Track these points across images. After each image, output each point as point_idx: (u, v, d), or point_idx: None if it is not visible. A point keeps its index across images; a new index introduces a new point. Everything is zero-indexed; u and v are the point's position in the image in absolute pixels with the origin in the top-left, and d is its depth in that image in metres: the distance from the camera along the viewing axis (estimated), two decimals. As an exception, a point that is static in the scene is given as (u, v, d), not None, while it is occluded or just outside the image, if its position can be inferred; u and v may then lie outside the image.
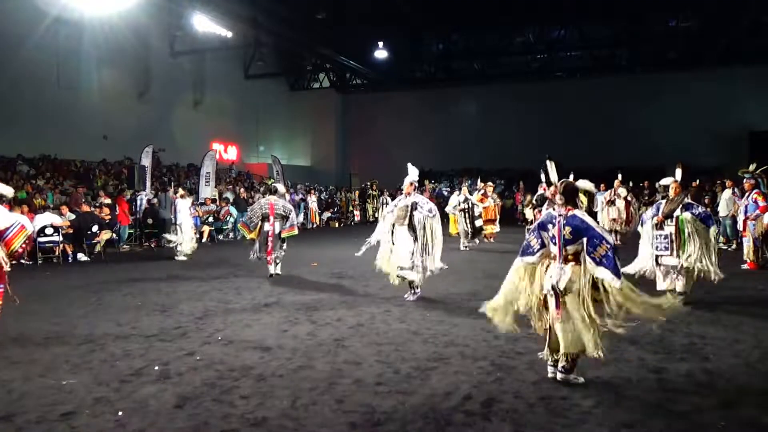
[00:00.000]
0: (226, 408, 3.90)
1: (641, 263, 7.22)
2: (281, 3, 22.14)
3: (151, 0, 19.72)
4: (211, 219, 17.29)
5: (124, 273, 10.45)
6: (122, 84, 22.09)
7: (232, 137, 28.29)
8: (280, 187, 10.94)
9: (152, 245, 14.99)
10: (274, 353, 5.17)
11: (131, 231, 15.48)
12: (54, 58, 19.61)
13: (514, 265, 4.51)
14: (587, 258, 4.11)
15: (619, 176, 14.55)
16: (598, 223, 4.40)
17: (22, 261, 10.85)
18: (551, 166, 5.00)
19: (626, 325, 4.10)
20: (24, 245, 5.31)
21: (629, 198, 14.03)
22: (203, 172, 19.48)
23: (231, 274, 10.05)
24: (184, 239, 12.33)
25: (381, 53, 26.49)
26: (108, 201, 14.95)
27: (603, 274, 4.04)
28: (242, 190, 21.77)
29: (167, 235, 12.81)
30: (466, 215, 13.99)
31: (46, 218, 12.09)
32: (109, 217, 14.12)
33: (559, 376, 4.26)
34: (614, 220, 13.67)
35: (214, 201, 18.44)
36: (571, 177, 5.04)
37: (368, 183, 26.37)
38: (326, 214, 24.23)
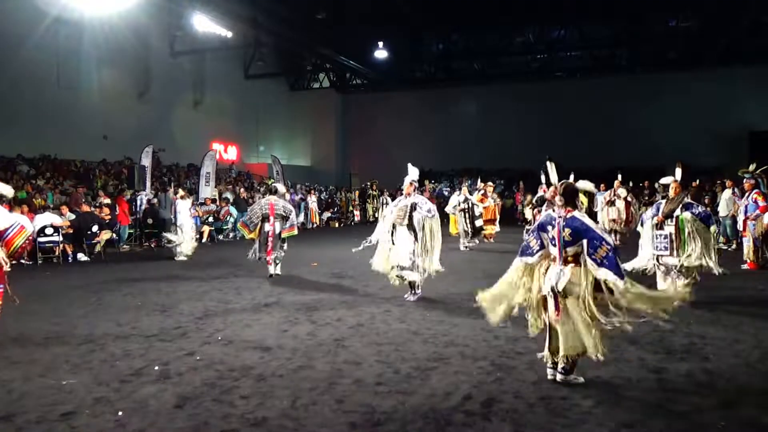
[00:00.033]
0: (226, 408, 3.90)
1: (641, 262, 7.22)
2: (281, 3, 22.14)
3: (151, 0, 19.72)
4: (211, 219, 17.29)
5: (124, 273, 10.44)
6: (122, 84, 22.09)
7: (232, 137, 28.29)
8: (280, 187, 10.94)
9: (152, 245, 14.99)
10: (274, 353, 5.17)
11: (131, 231, 15.48)
12: (54, 58, 19.62)
13: (513, 264, 4.51)
14: (588, 260, 4.10)
15: (619, 176, 14.55)
16: (597, 223, 4.40)
17: (22, 261, 10.85)
18: (551, 167, 5.00)
19: (633, 320, 4.07)
20: (24, 245, 5.31)
21: (629, 198, 14.02)
22: (203, 172, 19.48)
23: (231, 274, 10.05)
24: (184, 240, 12.33)
25: (381, 53, 26.50)
26: (108, 201, 14.95)
27: (606, 274, 4.03)
28: (242, 190, 21.78)
29: (168, 235, 12.80)
30: (466, 215, 13.98)
31: (46, 218, 12.10)
32: (109, 217, 14.12)
33: (558, 377, 4.26)
34: (614, 220, 13.66)
35: (214, 201, 18.44)
36: (572, 177, 5.04)
37: (368, 183, 26.37)
38: (326, 214, 24.24)
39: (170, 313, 6.90)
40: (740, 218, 10.58)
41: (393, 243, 7.50)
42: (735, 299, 7.41)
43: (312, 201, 22.80)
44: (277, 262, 9.67)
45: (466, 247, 13.73)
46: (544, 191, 10.91)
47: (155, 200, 15.90)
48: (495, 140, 28.39)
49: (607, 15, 24.53)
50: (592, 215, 4.46)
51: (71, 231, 12.46)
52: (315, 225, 22.48)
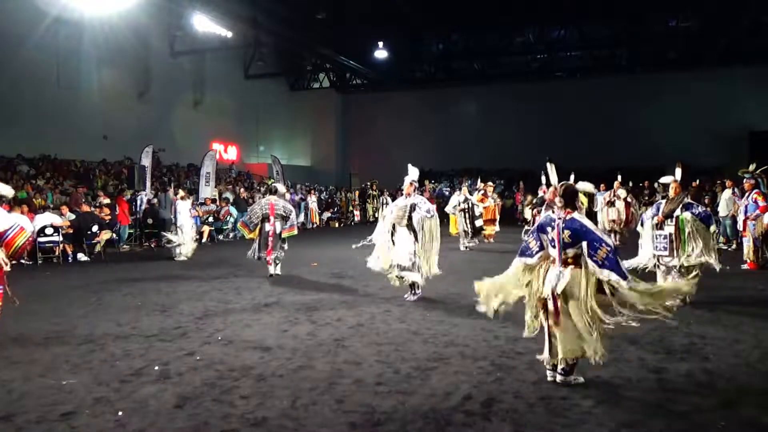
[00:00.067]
0: (226, 408, 3.90)
1: (641, 260, 7.22)
2: (281, 3, 22.14)
3: (151, 0, 19.72)
4: (211, 219, 17.30)
5: (124, 273, 10.44)
6: (122, 84, 22.10)
7: (232, 137, 28.30)
8: (280, 187, 10.95)
9: (152, 245, 14.98)
10: (274, 353, 5.17)
11: (131, 231, 15.48)
12: (54, 58, 19.62)
13: (512, 264, 4.51)
14: (589, 261, 4.09)
15: (619, 177, 14.55)
16: (597, 224, 4.41)
17: (22, 261, 10.85)
18: (551, 169, 5.00)
19: (638, 315, 4.05)
20: (24, 246, 5.31)
21: (629, 199, 14.00)
22: (203, 172, 19.48)
23: (231, 274, 10.05)
24: (184, 241, 12.33)
25: (381, 53, 26.51)
26: (107, 201, 14.95)
27: (608, 275, 4.03)
28: (242, 190, 21.79)
29: (168, 235, 12.80)
30: (466, 215, 13.98)
31: (46, 218, 12.10)
32: (109, 217, 14.12)
33: (558, 378, 4.25)
34: (613, 221, 13.65)
35: (214, 201, 18.44)
36: (572, 178, 5.05)
37: (368, 183, 26.37)
38: (326, 214, 24.24)
39: (170, 313, 6.89)
40: (740, 218, 10.58)
41: (393, 243, 7.51)
42: (735, 299, 7.41)
43: (312, 201, 22.80)
44: (277, 262, 9.67)
45: (466, 247, 13.73)
46: (544, 191, 10.91)
47: (155, 200, 15.90)
48: (495, 140, 28.40)
49: (607, 15, 24.53)
50: (592, 216, 4.47)
51: (71, 231, 12.46)
52: (315, 225, 22.48)
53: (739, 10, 20.59)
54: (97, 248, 12.96)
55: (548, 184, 6.82)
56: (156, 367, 4.77)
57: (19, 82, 18.08)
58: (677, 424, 3.63)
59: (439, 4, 23.47)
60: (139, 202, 16.15)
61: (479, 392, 4.15)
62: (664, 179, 7.77)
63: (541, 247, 4.38)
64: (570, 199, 4.33)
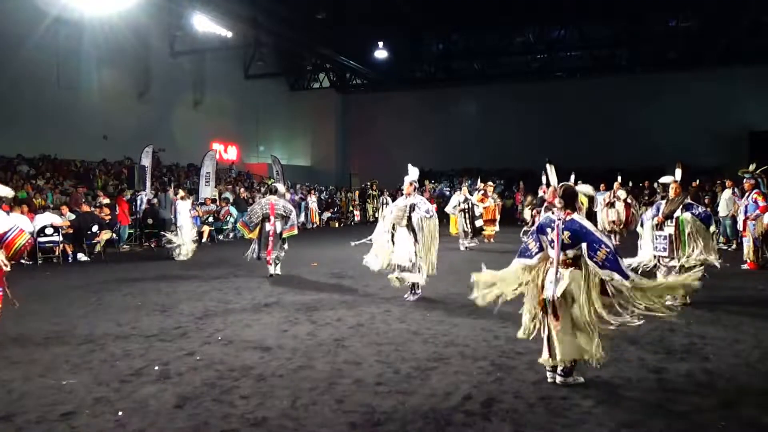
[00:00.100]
0: (226, 408, 3.91)
1: (642, 260, 7.21)
2: (281, 3, 22.14)
3: (151, 0, 19.72)
4: (211, 219, 17.30)
5: (124, 273, 10.44)
6: (122, 84, 22.10)
7: (232, 137, 28.29)
8: (280, 187, 10.95)
9: (152, 245, 14.98)
10: (274, 353, 5.17)
11: (131, 231, 15.48)
12: (54, 58, 19.62)
13: (512, 264, 4.51)
14: (590, 262, 4.10)
15: (619, 178, 14.55)
16: (597, 224, 4.41)
17: (22, 261, 10.85)
18: (551, 170, 5.00)
19: (645, 312, 4.05)
20: (24, 248, 5.31)
21: (629, 200, 13.99)
22: (203, 172, 19.48)
23: (231, 274, 10.05)
24: (184, 241, 12.33)
25: (381, 53, 26.50)
26: (107, 201, 14.95)
27: (610, 274, 4.03)
28: (242, 190, 21.79)
29: (168, 235, 12.80)
30: (466, 215, 13.98)
31: (46, 218, 12.10)
32: (109, 217, 14.12)
33: (558, 379, 4.25)
34: (613, 222, 13.64)
35: (214, 201, 18.44)
36: (572, 178, 5.05)
37: (368, 183, 26.38)
38: (326, 214, 24.25)
39: (170, 313, 6.89)
40: (740, 218, 10.58)
41: (393, 243, 7.51)
42: (735, 299, 7.41)
43: (312, 201, 22.81)
44: (277, 262, 9.68)
45: (466, 247, 13.73)
46: (544, 191, 10.90)
47: (155, 200, 15.90)
48: (495, 140, 28.40)
49: (607, 15, 24.52)
50: (592, 216, 4.47)
51: (71, 231, 12.46)
52: (315, 225, 22.48)
53: (739, 10, 20.59)
54: (97, 248, 12.96)
55: (548, 184, 6.82)
56: (156, 367, 4.77)
57: (19, 82, 18.07)
58: (677, 424, 3.63)
59: (439, 4, 23.46)
60: (139, 202, 16.15)
61: (479, 392, 4.15)
62: (663, 179, 7.77)
63: (541, 248, 4.37)
64: (570, 200, 4.33)
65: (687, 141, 23.85)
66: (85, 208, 13.50)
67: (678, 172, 7.32)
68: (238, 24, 22.41)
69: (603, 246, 4.08)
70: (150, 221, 15.32)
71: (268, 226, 9.54)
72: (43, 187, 16.06)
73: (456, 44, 29.07)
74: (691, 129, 24.94)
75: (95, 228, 12.93)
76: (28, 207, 12.32)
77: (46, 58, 19.23)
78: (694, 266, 6.76)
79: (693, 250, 6.81)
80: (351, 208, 25.54)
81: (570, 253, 4.20)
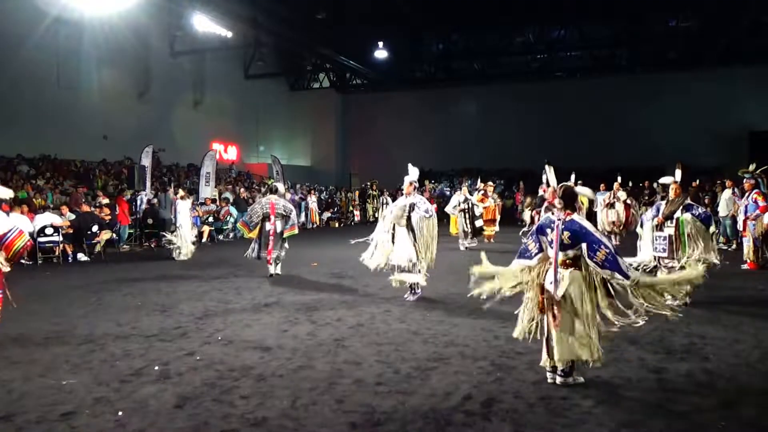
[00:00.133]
0: (226, 408, 3.90)
1: (642, 260, 7.21)
2: (281, 3, 22.14)
3: (151, 0, 19.72)
4: (211, 219, 17.29)
5: (124, 273, 10.44)
6: (122, 84, 22.10)
7: (232, 137, 28.29)
8: (280, 187, 10.96)
9: (152, 245, 14.98)
10: (274, 353, 5.17)
11: (131, 231, 15.48)
12: (54, 58, 19.62)
13: (512, 264, 4.51)
14: (590, 262, 4.10)
15: (619, 178, 14.55)
16: (597, 225, 4.42)
17: (22, 261, 10.85)
18: (550, 171, 5.00)
19: (649, 307, 4.05)
20: (23, 249, 5.30)
21: (628, 201, 13.98)
22: (203, 172, 19.48)
23: (231, 274, 10.05)
24: (184, 241, 12.33)
25: (381, 53, 26.50)
26: (106, 201, 14.95)
27: (611, 274, 4.03)
28: (242, 190, 21.79)
29: (168, 235, 12.79)
30: (466, 215, 13.97)
31: (46, 218, 12.10)
32: (109, 217, 14.13)
33: (558, 380, 4.25)
34: (613, 223, 13.62)
35: (214, 201, 18.44)
36: (572, 178, 5.05)
37: (368, 183, 26.38)
38: (326, 214, 24.25)
39: (170, 313, 6.90)
40: (740, 218, 10.58)
41: (393, 243, 7.51)
42: (735, 299, 7.41)
43: (312, 201, 22.80)
44: (278, 261, 9.69)
45: (466, 247, 13.72)
46: (545, 190, 10.90)
47: (155, 200, 15.90)
48: (495, 140, 28.39)
49: (607, 15, 24.52)
50: (592, 217, 4.47)
51: (71, 231, 12.46)
52: (315, 225, 22.48)
53: (739, 10, 20.59)
54: (97, 248, 12.96)
55: (548, 183, 6.83)
56: (156, 367, 4.77)
57: (19, 82, 18.07)
58: (677, 424, 3.63)
59: (439, 4, 23.46)
60: (139, 202, 16.15)
61: (479, 392, 4.15)
62: (663, 180, 7.77)
63: (540, 249, 4.37)
64: (569, 200, 4.33)
65: (687, 141, 23.85)
66: (85, 208, 13.50)
67: (678, 173, 7.32)
68: (238, 24, 22.41)
69: (602, 246, 4.08)
70: (150, 221, 15.32)
71: (268, 226, 9.55)
72: (43, 187, 16.06)
73: (456, 44, 29.07)
74: (691, 129, 24.93)
75: (95, 228, 12.93)
76: (28, 207, 12.32)
77: (46, 58, 19.23)
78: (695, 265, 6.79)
79: (693, 251, 6.81)
80: (351, 208, 25.55)
81: (570, 253, 4.20)
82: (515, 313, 4.52)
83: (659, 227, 7.07)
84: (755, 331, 5.78)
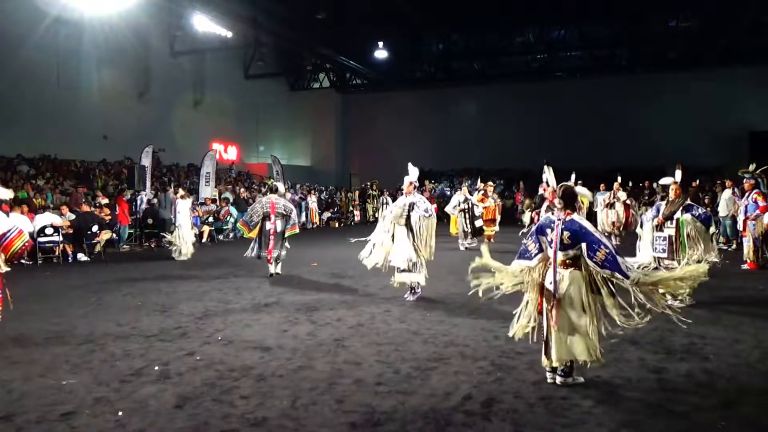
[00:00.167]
0: (226, 408, 3.90)
1: (642, 260, 7.21)
2: (281, 3, 22.14)
3: (151, 0, 19.72)
4: (211, 219, 17.29)
5: (124, 273, 10.45)
6: (122, 84, 22.09)
7: (232, 137, 28.29)
8: (281, 187, 10.97)
9: (152, 245, 14.98)
10: (274, 353, 5.17)
11: (131, 231, 15.48)
12: (54, 58, 19.61)
13: (512, 265, 4.51)
14: (590, 262, 4.10)
15: (619, 178, 14.54)
16: (597, 225, 4.42)
17: (22, 261, 10.85)
18: (550, 172, 4.99)
19: (652, 305, 4.04)
20: (22, 249, 5.30)
21: (628, 201, 13.98)
22: (203, 172, 19.48)
23: (231, 274, 10.05)
24: (183, 241, 12.33)
25: (381, 53, 26.49)
26: (106, 201, 14.94)
27: (611, 273, 4.03)
28: (242, 190, 21.79)
29: (168, 236, 12.79)
30: (466, 215, 13.97)
31: (46, 218, 12.10)
32: (109, 217, 14.13)
33: (558, 380, 4.25)
34: (613, 223, 13.61)
35: (214, 201, 18.44)
36: (572, 178, 5.05)
37: (368, 183, 26.38)
38: (326, 214, 24.25)
39: (170, 313, 6.90)
40: (740, 218, 10.58)
41: (393, 242, 7.51)
42: (735, 299, 7.41)
43: (312, 201, 22.80)
44: (278, 261, 9.69)
45: (466, 247, 13.72)
46: (545, 189, 10.90)
47: (155, 200, 15.91)
48: (495, 140, 28.39)
49: (607, 15, 24.52)
50: (592, 217, 4.48)
51: (71, 231, 12.46)
52: (315, 225, 22.48)
53: (739, 10, 20.59)
54: (97, 248, 12.95)
55: (548, 183, 6.85)
56: (156, 367, 4.77)
57: (19, 82, 18.06)
58: (677, 424, 3.63)
59: (439, 4, 23.46)
60: (139, 202, 16.15)
61: (479, 392, 4.15)
62: (663, 180, 7.77)
63: (540, 250, 4.37)
64: (569, 200, 4.33)
65: (687, 141, 23.84)
66: (85, 208, 13.50)
67: (678, 173, 7.32)
68: (238, 24, 22.41)
69: (602, 246, 4.08)
70: (150, 221, 15.33)
71: (268, 225, 9.57)
72: (43, 187, 16.05)
73: (456, 44, 29.06)
74: (691, 129, 24.93)
75: (95, 228, 12.93)
76: (28, 207, 12.32)
77: (46, 58, 19.22)
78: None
79: (693, 252, 6.81)
80: (351, 208, 25.54)
81: (570, 253, 4.20)
82: (515, 313, 4.52)
83: (659, 228, 7.07)
84: (755, 331, 5.78)
